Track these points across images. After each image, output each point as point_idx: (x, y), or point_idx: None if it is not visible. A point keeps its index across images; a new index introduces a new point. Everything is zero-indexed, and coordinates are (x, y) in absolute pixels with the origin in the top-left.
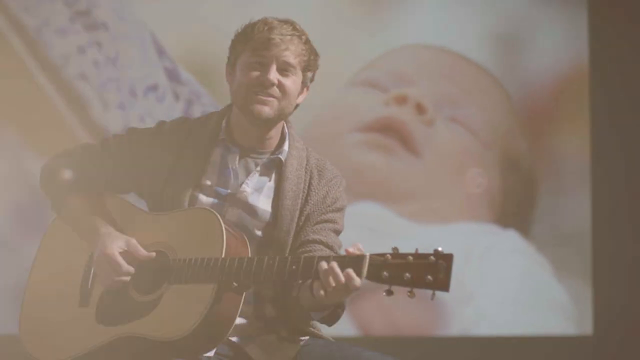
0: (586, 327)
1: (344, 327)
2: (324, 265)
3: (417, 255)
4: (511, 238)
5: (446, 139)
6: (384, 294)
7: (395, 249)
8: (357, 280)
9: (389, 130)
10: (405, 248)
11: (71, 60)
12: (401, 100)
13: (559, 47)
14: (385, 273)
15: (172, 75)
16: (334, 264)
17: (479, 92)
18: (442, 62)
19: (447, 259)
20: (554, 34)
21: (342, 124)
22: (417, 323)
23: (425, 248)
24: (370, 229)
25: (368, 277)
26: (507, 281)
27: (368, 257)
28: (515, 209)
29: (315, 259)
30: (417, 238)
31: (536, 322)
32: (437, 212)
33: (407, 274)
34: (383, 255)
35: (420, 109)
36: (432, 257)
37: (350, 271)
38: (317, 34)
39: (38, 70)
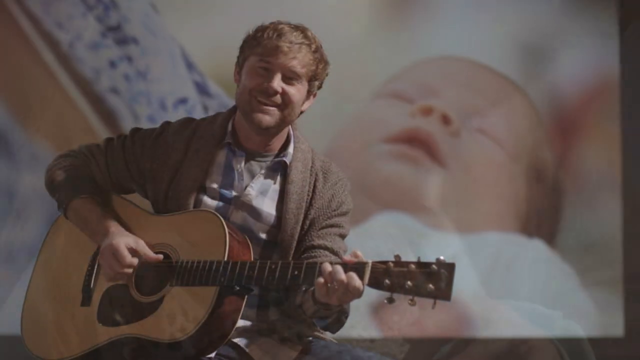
0: (616, 331)
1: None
2: (327, 267)
3: (419, 264)
4: (537, 248)
5: (472, 150)
6: (385, 301)
7: (397, 256)
8: (360, 283)
9: (414, 141)
10: (430, 257)
11: (102, 74)
12: (427, 111)
13: (587, 57)
14: (386, 281)
15: (201, 89)
16: (338, 267)
17: (505, 103)
18: (467, 73)
19: (449, 268)
20: (582, 44)
21: (369, 135)
22: (442, 325)
23: (451, 258)
24: (396, 238)
25: (370, 284)
26: (533, 290)
27: (370, 263)
28: (540, 219)
29: (318, 265)
30: (442, 248)
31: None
32: (463, 221)
33: (409, 282)
34: (385, 262)
35: (446, 120)
36: (434, 266)
37: (353, 274)
38: (344, 46)
39: (70, 84)
